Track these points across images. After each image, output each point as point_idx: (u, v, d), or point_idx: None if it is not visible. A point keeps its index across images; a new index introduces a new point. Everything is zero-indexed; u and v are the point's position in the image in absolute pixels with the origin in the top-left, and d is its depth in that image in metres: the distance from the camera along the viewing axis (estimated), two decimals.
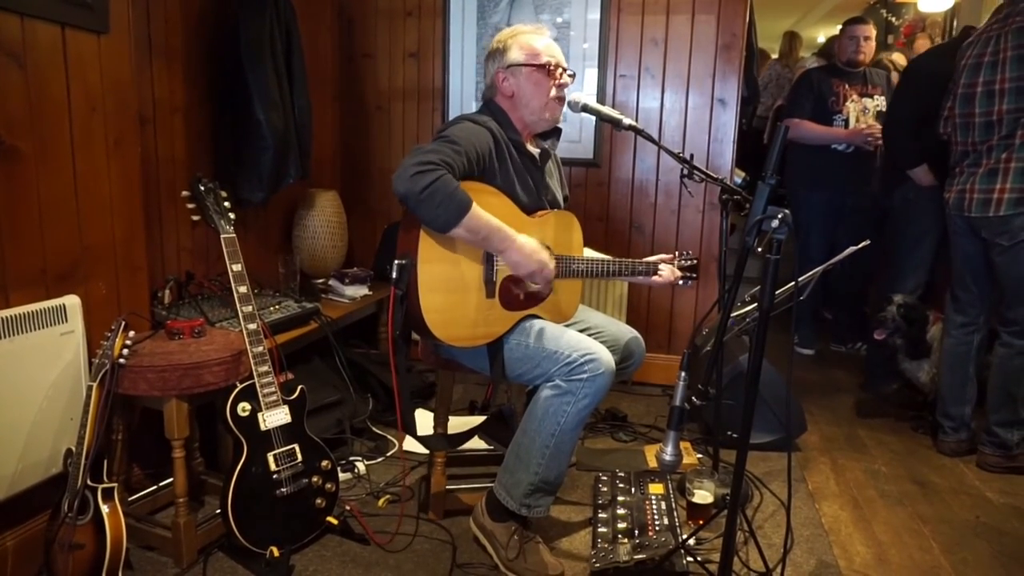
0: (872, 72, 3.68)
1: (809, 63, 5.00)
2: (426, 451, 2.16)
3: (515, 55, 1.91)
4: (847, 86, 3.59)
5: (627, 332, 2.06)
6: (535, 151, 1.99)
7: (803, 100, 3.64)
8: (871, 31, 3.60)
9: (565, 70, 1.94)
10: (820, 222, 3.71)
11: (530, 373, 1.82)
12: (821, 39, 9.14)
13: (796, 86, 3.80)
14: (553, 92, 1.91)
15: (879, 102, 3.59)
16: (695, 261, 2.12)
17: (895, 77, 3.80)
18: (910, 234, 3.17)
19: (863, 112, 3.58)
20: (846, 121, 3.58)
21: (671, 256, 2.11)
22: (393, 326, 1.73)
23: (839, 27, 3.79)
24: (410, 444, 2.51)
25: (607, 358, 1.76)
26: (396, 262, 1.70)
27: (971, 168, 2.53)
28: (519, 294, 1.87)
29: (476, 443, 2.17)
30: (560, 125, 2.04)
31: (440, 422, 2.08)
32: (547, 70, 1.90)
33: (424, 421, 2.47)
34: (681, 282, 2.11)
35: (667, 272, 2.06)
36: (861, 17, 3.78)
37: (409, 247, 1.71)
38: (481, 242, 1.73)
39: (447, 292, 1.75)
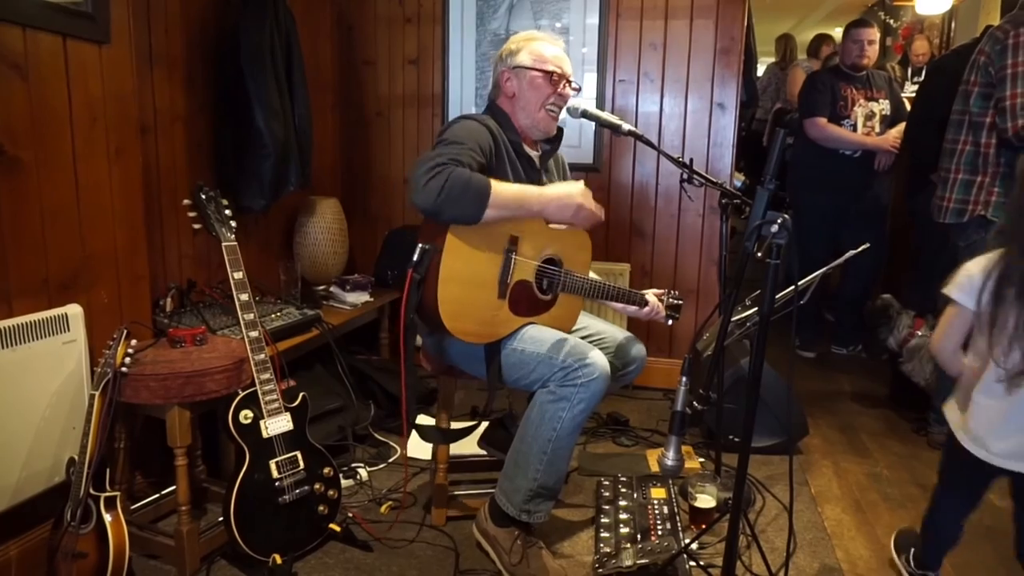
0: (875, 75, 3.63)
1: (803, 65, 5.01)
2: (428, 458, 2.16)
3: (522, 58, 1.93)
4: (853, 90, 3.54)
5: (628, 337, 2.07)
6: (534, 154, 2.00)
7: (823, 99, 3.51)
8: (875, 35, 3.54)
9: (570, 82, 1.95)
10: (824, 226, 3.64)
11: (526, 378, 1.82)
12: None
13: (810, 86, 3.65)
14: (550, 100, 1.92)
15: (884, 106, 3.56)
16: (681, 302, 2.12)
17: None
18: (937, 238, 3.09)
19: (870, 116, 3.54)
20: (854, 126, 3.53)
21: (661, 292, 2.10)
22: (407, 309, 1.72)
23: (836, 29, 3.75)
24: (413, 450, 2.51)
25: (602, 363, 1.75)
26: (420, 245, 1.69)
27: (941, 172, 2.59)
28: (527, 301, 1.87)
29: (479, 449, 2.17)
30: (561, 129, 2.04)
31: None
32: (551, 78, 1.91)
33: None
34: (663, 319, 2.09)
35: (654, 302, 2.04)
36: (865, 20, 3.71)
37: (436, 237, 1.70)
38: (517, 212, 1.73)
39: (464, 285, 1.73)
